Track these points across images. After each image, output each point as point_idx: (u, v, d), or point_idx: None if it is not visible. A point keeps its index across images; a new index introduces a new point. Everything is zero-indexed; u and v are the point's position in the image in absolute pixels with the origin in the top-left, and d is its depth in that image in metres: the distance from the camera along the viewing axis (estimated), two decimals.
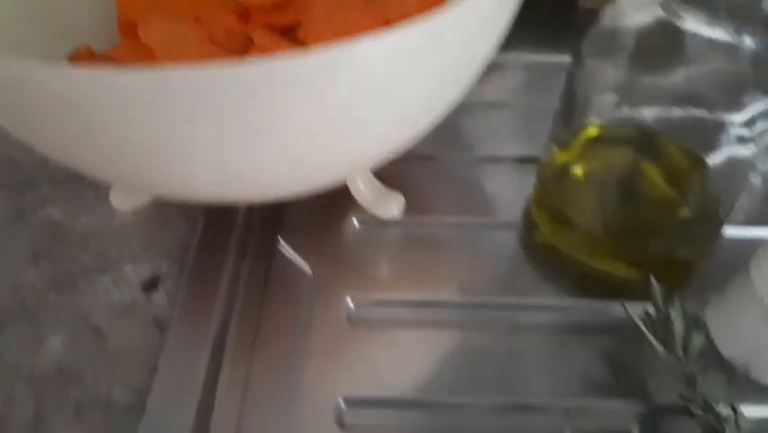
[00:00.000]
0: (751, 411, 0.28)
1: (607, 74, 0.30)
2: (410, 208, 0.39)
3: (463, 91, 0.32)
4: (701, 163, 0.28)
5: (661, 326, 0.29)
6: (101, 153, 0.27)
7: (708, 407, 0.27)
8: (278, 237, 0.37)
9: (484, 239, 0.38)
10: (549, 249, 0.36)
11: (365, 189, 0.37)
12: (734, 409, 0.27)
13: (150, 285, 0.35)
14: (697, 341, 0.29)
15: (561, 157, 0.36)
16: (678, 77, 0.28)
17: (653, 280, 0.30)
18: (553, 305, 0.35)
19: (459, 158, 0.43)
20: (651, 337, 0.29)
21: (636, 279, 0.33)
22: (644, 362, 0.32)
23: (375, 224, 0.38)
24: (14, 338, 0.33)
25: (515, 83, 0.50)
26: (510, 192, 0.40)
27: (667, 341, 0.29)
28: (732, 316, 0.31)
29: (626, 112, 0.30)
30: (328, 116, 0.25)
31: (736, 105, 0.27)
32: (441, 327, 0.34)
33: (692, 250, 0.34)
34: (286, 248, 0.37)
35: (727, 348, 0.31)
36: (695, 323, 0.29)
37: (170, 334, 0.33)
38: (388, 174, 0.39)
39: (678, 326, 0.29)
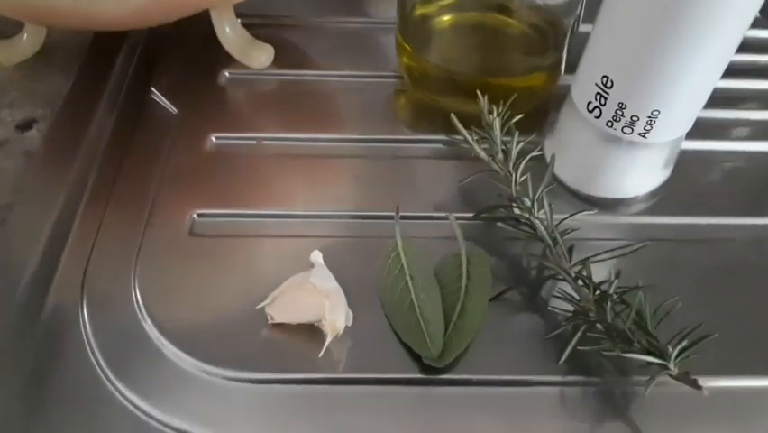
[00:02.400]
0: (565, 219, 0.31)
1: None
2: (285, 64, 0.41)
3: None
4: None
5: (485, 135, 0.32)
6: None
7: (519, 200, 0.30)
8: (151, 87, 0.39)
9: (359, 88, 0.40)
10: (419, 94, 0.39)
11: (233, 37, 0.38)
12: (542, 206, 0.30)
13: (25, 126, 0.37)
14: (516, 145, 0.31)
15: (420, 10, 0.38)
16: None
17: (478, 93, 0.32)
18: (423, 138, 0.37)
19: (341, 21, 0.44)
20: (476, 146, 0.32)
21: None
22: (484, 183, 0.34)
23: (247, 74, 0.40)
24: None
25: None
26: (389, 50, 0.42)
27: (491, 149, 0.32)
28: (561, 137, 0.34)
29: None
30: None
31: None
32: (309, 159, 0.36)
33: (536, 78, 0.37)
34: (156, 95, 0.38)
35: (560, 169, 0.34)
36: (522, 130, 0.31)
37: (38, 161, 0.34)
38: (264, 34, 0.41)
39: (497, 129, 0.31)
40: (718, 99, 0.31)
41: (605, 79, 0.29)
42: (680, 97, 0.28)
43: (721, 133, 0.38)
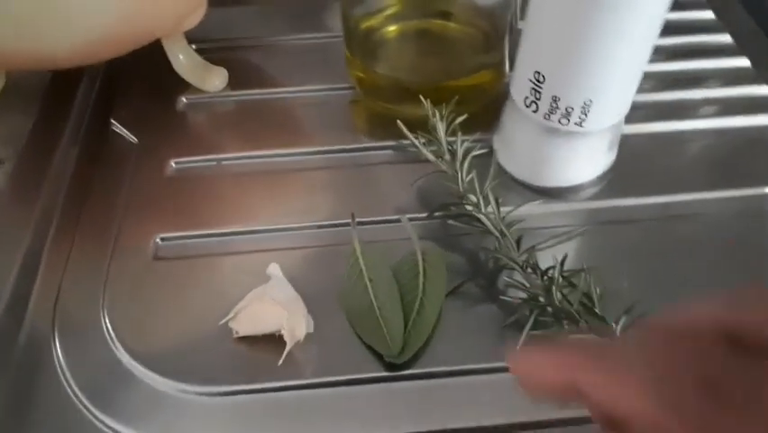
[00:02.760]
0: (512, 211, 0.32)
1: None
2: (240, 84, 0.42)
3: None
4: None
5: (430, 138, 0.33)
6: None
7: (467, 198, 0.31)
8: (111, 119, 0.40)
9: (316, 102, 0.41)
10: (370, 103, 0.40)
11: (186, 63, 0.39)
12: (488, 201, 0.31)
13: None
14: (462, 144, 0.32)
15: (365, 23, 0.39)
16: None
17: (421, 98, 0.33)
18: (377, 145, 0.38)
19: (293, 38, 0.45)
20: (422, 149, 0.33)
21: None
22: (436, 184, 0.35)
23: (203, 98, 0.41)
24: None
25: None
26: (339, 62, 0.43)
27: (438, 150, 0.33)
28: (505, 132, 0.35)
29: None
30: None
31: None
32: (269, 174, 0.37)
33: (481, 77, 0.38)
34: (117, 126, 0.39)
35: (507, 163, 0.35)
36: (472, 129, 0.33)
37: (3, 199, 0.35)
38: (219, 57, 0.42)
39: (440, 131, 0.32)
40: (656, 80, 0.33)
41: (537, 74, 0.30)
42: (611, 85, 0.30)
43: (664, 114, 0.39)
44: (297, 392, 0.28)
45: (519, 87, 0.32)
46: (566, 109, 0.30)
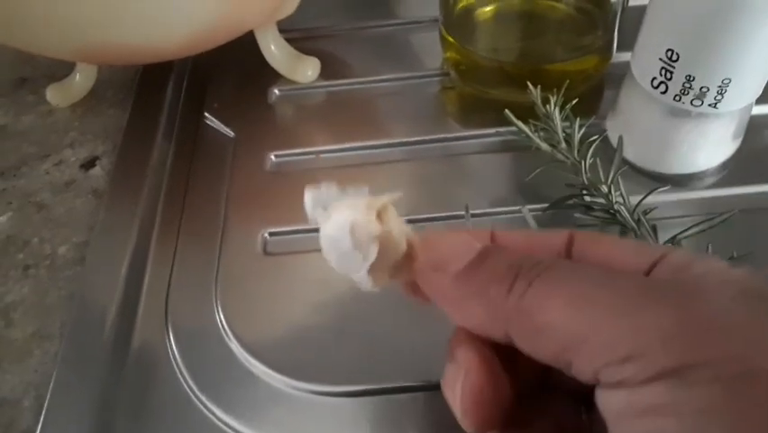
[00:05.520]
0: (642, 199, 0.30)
1: None
2: (330, 74, 0.41)
3: None
4: None
5: (543, 126, 0.31)
6: None
7: (593, 187, 0.29)
8: (204, 112, 0.39)
9: (405, 91, 0.40)
10: (466, 90, 0.39)
11: (278, 54, 0.39)
12: (618, 189, 0.29)
13: (89, 164, 0.38)
14: (578, 132, 0.30)
15: (463, 3, 0.37)
16: None
17: (529, 85, 0.32)
18: (476, 134, 0.37)
19: (377, 25, 0.44)
20: (533, 137, 0.31)
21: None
22: (545, 172, 0.33)
23: (294, 88, 0.40)
24: None
25: None
26: (430, 48, 0.41)
27: (552, 138, 0.31)
28: (624, 117, 0.33)
29: None
30: None
31: None
32: (367, 166, 0.36)
33: (588, 61, 0.36)
34: (211, 119, 0.39)
35: (626, 150, 0.33)
36: (578, 114, 0.31)
37: (107, 198, 0.35)
38: (306, 47, 0.41)
39: (556, 119, 0.30)
40: None
41: (670, 53, 0.28)
42: (752, 63, 0.27)
43: None
44: (420, 394, 0.27)
45: (645, 68, 0.30)
46: (701, 89, 0.28)
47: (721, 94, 0.28)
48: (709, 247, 0.26)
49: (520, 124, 0.32)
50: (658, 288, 0.15)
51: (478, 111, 0.38)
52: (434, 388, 0.27)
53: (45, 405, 0.27)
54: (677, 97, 0.29)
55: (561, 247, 0.18)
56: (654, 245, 0.18)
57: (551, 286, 0.15)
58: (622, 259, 0.17)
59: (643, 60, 0.30)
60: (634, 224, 0.27)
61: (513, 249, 0.18)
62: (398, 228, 0.19)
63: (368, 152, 0.37)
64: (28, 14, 0.31)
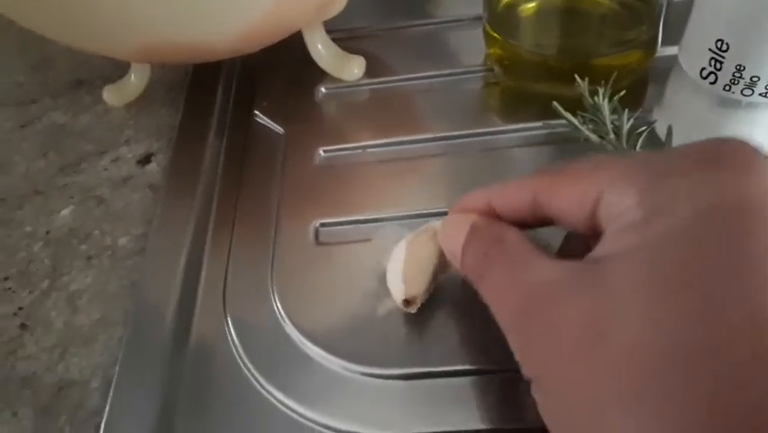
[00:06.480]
0: None
1: None
2: (373, 72, 0.42)
3: None
4: None
5: (591, 117, 0.32)
6: None
7: None
8: (254, 110, 0.41)
9: (448, 88, 0.41)
10: (509, 85, 0.39)
11: (325, 53, 0.40)
12: None
13: (145, 160, 0.39)
14: (627, 123, 0.31)
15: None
16: None
17: (576, 77, 0.32)
18: (519, 128, 0.37)
19: (417, 24, 0.45)
20: (583, 129, 0.32)
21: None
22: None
23: (341, 87, 0.41)
24: (31, 213, 0.37)
25: None
26: (470, 45, 0.42)
27: (600, 130, 0.31)
28: (672, 108, 0.34)
29: None
30: None
31: None
32: (412, 160, 0.37)
33: (632, 55, 0.36)
34: (261, 117, 0.40)
35: (675, 141, 0.33)
36: (623, 107, 0.31)
37: (164, 192, 0.37)
38: (350, 46, 0.42)
39: (605, 110, 0.31)
40: None
41: (719, 43, 0.28)
42: None
43: None
44: (474, 378, 0.28)
45: (694, 59, 0.30)
46: (751, 78, 0.28)
47: None
48: None
49: (569, 115, 0.32)
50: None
51: (521, 105, 0.39)
52: (482, 372, 0.27)
53: (112, 385, 0.29)
54: (727, 87, 0.29)
55: (529, 203, 0.23)
56: (591, 180, 0.20)
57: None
58: (569, 212, 0.21)
59: (691, 51, 0.30)
60: None
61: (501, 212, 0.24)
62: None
63: (412, 146, 0.38)
64: (93, 15, 0.32)
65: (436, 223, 0.29)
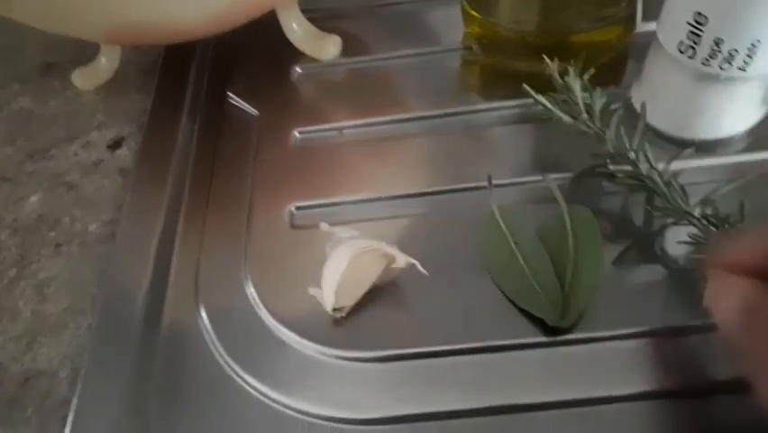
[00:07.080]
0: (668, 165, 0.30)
1: None
2: (350, 52, 0.41)
3: None
4: None
5: (562, 97, 0.31)
6: None
7: (618, 154, 0.29)
8: (227, 92, 0.40)
9: (426, 66, 0.40)
10: (488, 63, 0.39)
11: (300, 32, 0.39)
12: (645, 155, 0.29)
13: (115, 145, 0.38)
14: (599, 101, 0.30)
15: None
16: None
17: (545, 57, 0.31)
18: (498, 106, 0.37)
19: (394, 2, 0.44)
20: (554, 109, 0.31)
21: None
22: (567, 142, 0.33)
23: (317, 67, 0.40)
24: None
25: None
26: (448, 23, 0.41)
27: (572, 110, 0.31)
28: (650, 83, 0.33)
29: None
30: None
31: None
32: (390, 140, 0.36)
33: (612, 31, 0.36)
34: (234, 99, 0.39)
35: (651, 116, 0.33)
36: (603, 85, 0.31)
37: (134, 177, 0.36)
38: (326, 25, 0.41)
39: (576, 90, 0.30)
40: None
41: (698, 16, 0.28)
42: None
43: None
44: (448, 359, 0.27)
45: (672, 33, 0.29)
46: (729, 52, 0.28)
47: (750, 56, 0.28)
48: (746, 206, 0.26)
49: (539, 97, 0.32)
50: None
51: (499, 84, 0.38)
52: (457, 353, 0.27)
53: (81, 375, 0.28)
54: (705, 61, 0.29)
55: None
56: None
57: None
58: None
59: (670, 25, 0.30)
60: (664, 187, 0.27)
61: None
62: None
63: (390, 126, 0.37)
64: None
65: (384, 245, 0.28)
